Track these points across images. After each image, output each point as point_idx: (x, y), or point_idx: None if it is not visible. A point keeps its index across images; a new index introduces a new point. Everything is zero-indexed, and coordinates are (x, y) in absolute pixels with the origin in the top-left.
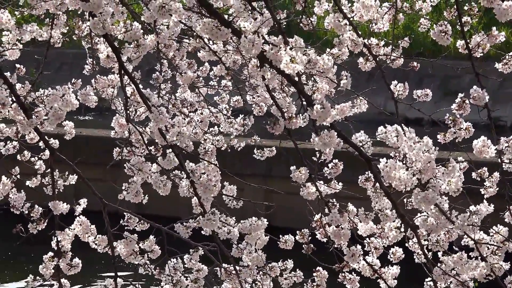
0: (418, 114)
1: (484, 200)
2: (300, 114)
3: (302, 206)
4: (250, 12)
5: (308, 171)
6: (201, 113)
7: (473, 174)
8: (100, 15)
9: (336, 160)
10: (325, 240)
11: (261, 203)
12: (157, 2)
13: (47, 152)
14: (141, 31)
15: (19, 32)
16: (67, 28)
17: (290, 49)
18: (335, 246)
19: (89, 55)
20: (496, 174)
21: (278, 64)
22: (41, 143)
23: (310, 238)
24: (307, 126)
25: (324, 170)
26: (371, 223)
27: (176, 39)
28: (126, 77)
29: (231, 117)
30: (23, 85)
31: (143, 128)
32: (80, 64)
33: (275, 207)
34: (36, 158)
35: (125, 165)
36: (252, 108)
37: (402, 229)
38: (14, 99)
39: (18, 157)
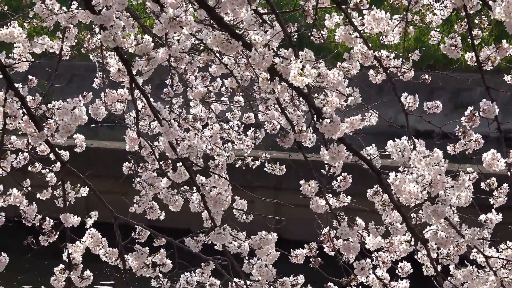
0: (428, 127)
1: (493, 210)
2: (310, 128)
3: (312, 219)
4: (260, 25)
5: (317, 184)
6: (212, 128)
7: (482, 184)
8: (111, 28)
9: (345, 173)
10: (333, 253)
11: (271, 217)
12: (168, 14)
13: (58, 164)
14: (152, 44)
15: (30, 45)
16: (76, 41)
17: (300, 62)
18: (343, 259)
19: (99, 68)
20: (506, 185)
21: (288, 77)
22: (51, 155)
23: (318, 251)
24: (317, 139)
25: (333, 183)
26: (379, 237)
27: (187, 53)
28: (137, 90)
29: (241, 133)
30: (33, 97)
31: (155, 144)
32: (91, 76)
33: (285, 220)
34: (47, 170)
35: (133, 180)
36: (264, 126)
37: (412, 243)
38: (25, 111)
39: (29, 168)
